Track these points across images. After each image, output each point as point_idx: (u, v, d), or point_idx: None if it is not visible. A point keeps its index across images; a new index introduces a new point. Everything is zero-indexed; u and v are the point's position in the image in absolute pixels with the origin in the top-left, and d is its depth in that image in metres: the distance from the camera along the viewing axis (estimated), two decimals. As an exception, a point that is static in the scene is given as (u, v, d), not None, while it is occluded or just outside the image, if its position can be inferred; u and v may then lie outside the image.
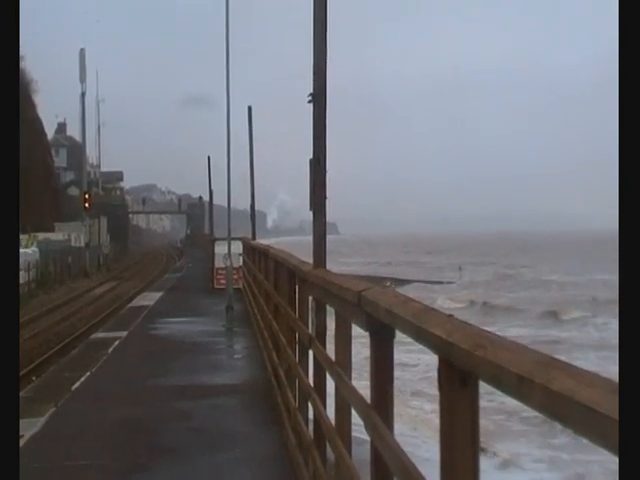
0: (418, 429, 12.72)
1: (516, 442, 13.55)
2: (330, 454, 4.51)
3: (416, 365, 18.63)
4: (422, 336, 2.28)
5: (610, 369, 14.24)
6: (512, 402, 1.82)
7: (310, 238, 6.38)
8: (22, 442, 7.55)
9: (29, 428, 8.19)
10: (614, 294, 31.36)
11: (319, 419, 4.92)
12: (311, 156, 6.13)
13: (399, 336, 2.91)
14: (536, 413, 1.49)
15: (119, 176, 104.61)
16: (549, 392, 1.38)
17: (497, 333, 1.97)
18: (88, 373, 11.26)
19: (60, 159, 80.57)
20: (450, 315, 2.35)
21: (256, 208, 24.70)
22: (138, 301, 25.23)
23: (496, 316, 33.90)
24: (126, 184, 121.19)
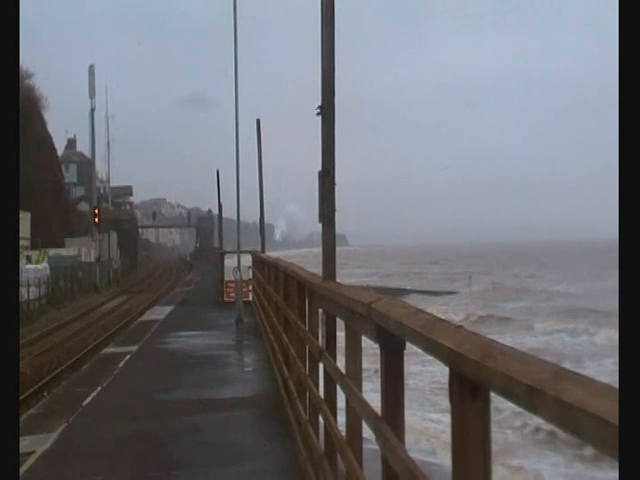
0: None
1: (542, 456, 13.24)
2: (341, 467, 4.49)
3: (419, 374, 18.63)
4: (432, 347, 2.27)
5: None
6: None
7: (317, 250, 6.37)
8: (34, 458, 7.56)
9: (41, 444, 8.19)
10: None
11: (330, 431, 4.89)
12: (319, 168, 6.14)
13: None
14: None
15: (128, 191, 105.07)
16: (561, 403, 1.36)
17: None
18: (99, 388, 11.27)
19: (70, 175, 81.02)
20: (460, 326, 2.34)
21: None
22: (148, 315, 25.26)
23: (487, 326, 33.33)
24: (135, 198, 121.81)
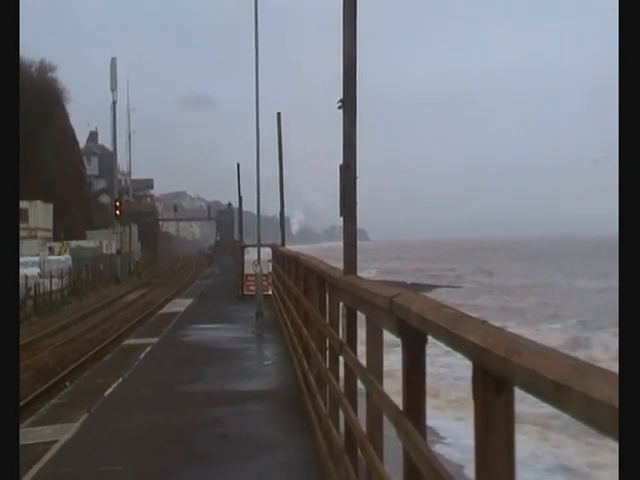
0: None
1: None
2: (362, 461, 4.49)
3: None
4: (456, 342, 2.26)
5: None
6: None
7: (335, 244, 6.36)
8: (56, 447, 7.65)
9: (63, 433, 8.28)
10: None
11: (350, 425, 4.90)
12: (340, 161, 6.13)
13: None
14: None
15: (149, 184, 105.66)
16: (589, 400, 1.35)
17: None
18: (120, 379, 11.36)
19: (92, 167, 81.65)
20: (484, 321, 2.32)
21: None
22: (169, 308, 25.42)
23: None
24: (156, 191, 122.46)
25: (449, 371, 17.64)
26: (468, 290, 52.70)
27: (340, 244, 6.25)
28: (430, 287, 52.90)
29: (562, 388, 1.47)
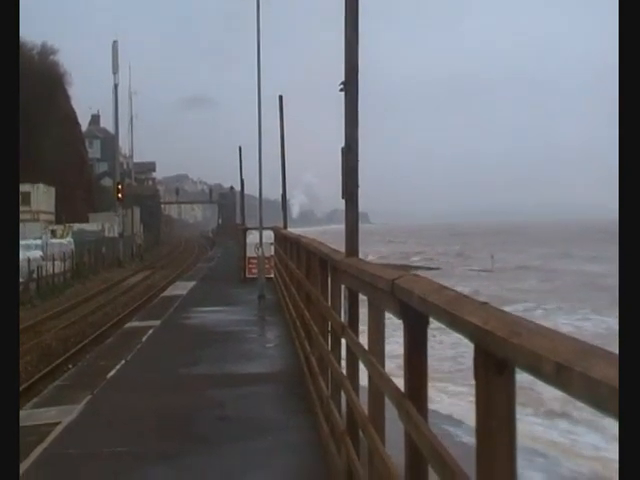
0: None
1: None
2: (364, 443, 4.52)
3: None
4: (457, 324, 2.27)
5: None
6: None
7: (335, 227, 6.36)
8: (60, 428, 7.70)
9: (66, 415, 8.34)
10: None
11: (352, 407, 4.92)
12: (342, 144, 6.11)
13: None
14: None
15: (151, 167, 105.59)
16: (590, 380, 1.35)
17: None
18: (123, 361, 11.41)
19: (94, 150, 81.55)
20: (485, 302, 2.33)
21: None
22: (171, 290, 25.47)
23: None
24: (158, 175, 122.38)
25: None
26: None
27: (343, 227, 6.24)
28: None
29: (563, 368, 1.47)
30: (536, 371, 1.62)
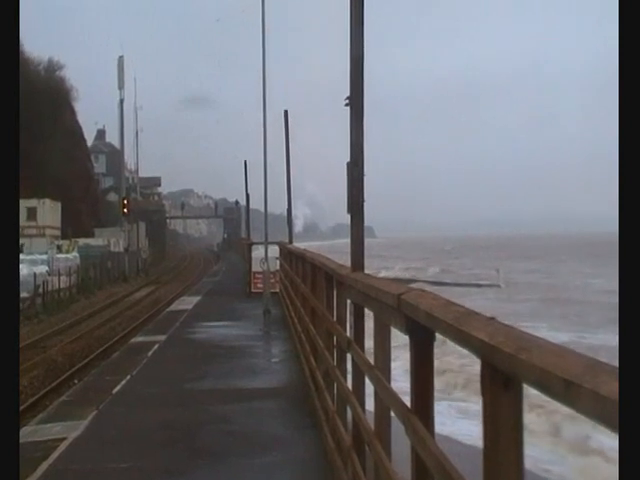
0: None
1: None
2: (369, 457, 4.49)
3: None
4: (464, 339, 2.26)
5: None
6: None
7: (343, 242, 6.36)
8: (65, 444, 7.68)
9: (72, 431, 8.31)
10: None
11: (358, 423, 4.90)
12: (347, 158, 6.12)
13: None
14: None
15: (157, 182, 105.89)
16: (598, 397, 1.34)
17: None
18: (128, 377, 11.39)
19: (99, 165, 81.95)
20: (492, 318, 2.32)
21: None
22: (176, 305, 25.46)
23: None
24: (164, 189, 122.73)
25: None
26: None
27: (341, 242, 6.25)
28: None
29: (571, 385, 1.46)
30: (544, 387, 1.61)
